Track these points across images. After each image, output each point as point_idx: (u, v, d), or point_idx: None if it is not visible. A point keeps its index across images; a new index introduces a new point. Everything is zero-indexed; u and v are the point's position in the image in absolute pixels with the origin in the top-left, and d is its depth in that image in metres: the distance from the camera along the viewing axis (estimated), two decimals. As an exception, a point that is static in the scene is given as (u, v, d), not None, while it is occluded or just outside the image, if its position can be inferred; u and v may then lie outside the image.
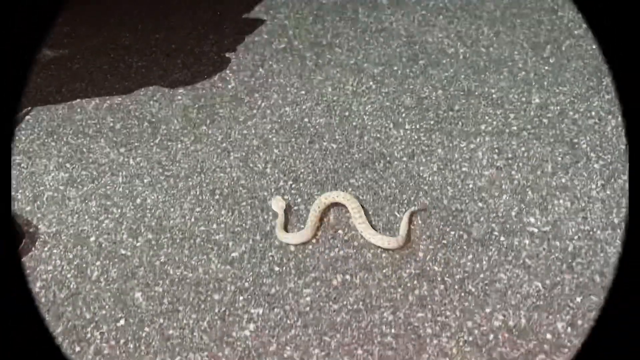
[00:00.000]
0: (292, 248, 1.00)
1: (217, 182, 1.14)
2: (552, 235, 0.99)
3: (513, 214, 1.03)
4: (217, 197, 1.11)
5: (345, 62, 1.47)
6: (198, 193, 1.12)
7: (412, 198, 1.09)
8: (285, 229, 1.03)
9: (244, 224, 1.05)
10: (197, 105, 1.35)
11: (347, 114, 1.31)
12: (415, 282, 0.93)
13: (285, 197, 1.10)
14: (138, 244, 1.04)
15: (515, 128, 1.22)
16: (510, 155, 1.16)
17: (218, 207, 1.09)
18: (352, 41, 1.54)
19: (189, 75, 1.46)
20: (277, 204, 1.07)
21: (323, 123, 1.28)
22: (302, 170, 1.16)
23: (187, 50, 1.53)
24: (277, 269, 0.97)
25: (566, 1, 1.59)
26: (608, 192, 1.06)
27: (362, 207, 1.03)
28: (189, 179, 1.14)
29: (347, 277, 0.95)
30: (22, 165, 1.22)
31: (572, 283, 0.92)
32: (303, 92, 1.38)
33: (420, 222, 1.03)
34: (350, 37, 1.55)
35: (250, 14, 1.69)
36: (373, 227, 1.00)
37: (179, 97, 1.38)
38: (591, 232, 0.99)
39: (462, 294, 0.91)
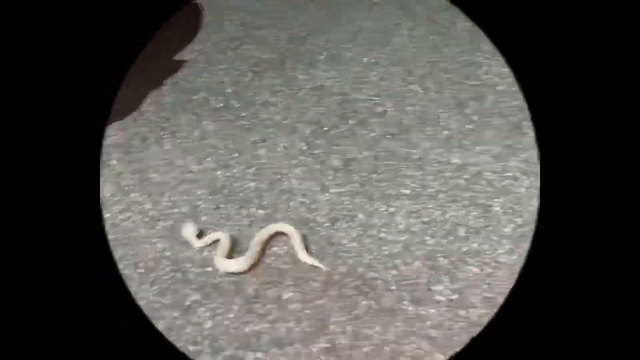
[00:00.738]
0: (209, 324, 1.03)
1: (142, 255, 1.17)
2: (458, 304, 1.04)
3: (423, 281, 1.08)
4: (140, 270, 1.14)
5: (279, 122, 1.52)
6: (122, 267, 1.14)
7: (331, 266, 1.13)
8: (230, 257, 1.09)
9: (162, 300, 1.08)
10: (129, 171, 1.38)
11: (277, 177, 1.35)
12: (322, 357, 0.96)
13: (208, 268, 1.14)
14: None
15: (433, 190, 1.28)
16: (426, 219, 1.21)
17: (140, 281, 1.11)
18: (288, 99, 1.59)
19: (125, 137, 1.49)
20: (188, 231, 1.14)
21: (253, 187, 1.32)
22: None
23: (124, 110, 1.56)
24: (191, 348, 0.99)
25: (495, 54, 1.68)
26: (515, 257, 1.12)
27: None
28: (115, 252, 1.16)
29: (259, 354, 0.97)
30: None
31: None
32: (236, 154, 1.42)
33: (335, 293, 1.08)
34: (286, 95, 1.61)
35: (191, 69, 1.73)
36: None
37: (114, 162, 1.41)
38: (493, 300, 1.04)
39: (368, 369, 0.95)
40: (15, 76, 0.87)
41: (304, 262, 1.10)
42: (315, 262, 1.10)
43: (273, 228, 1.17)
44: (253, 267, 1.10)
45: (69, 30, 0.93)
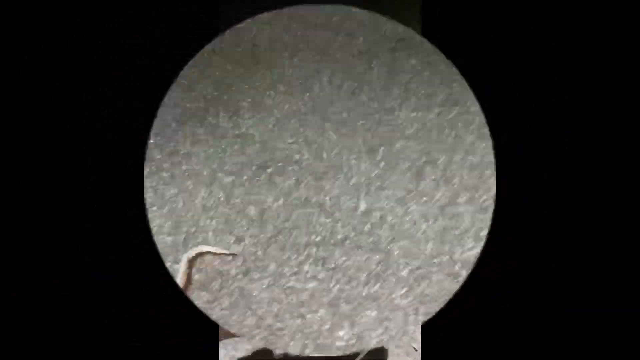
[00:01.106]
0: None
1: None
2: (356, 348, 1.12)
3: (326, 328, 1.17)
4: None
5: (199, 172, 1.58)
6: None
7: (241, 319, 1.19)
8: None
9: None
10: (46, 229, 1.39)
11: (193, 230, 1.40)
12: (227, 411, 1.02)
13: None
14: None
15: (340, 237, 1.37)
16: (332, 266, 1.30)
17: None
18: (209, 149, 1.65)
19: (44, 194, 1.50)
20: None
21: (169, 242, 1.37)
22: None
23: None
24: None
25: (406, 100, 1.83)
26: (409, 299, 1.22)
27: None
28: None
29: (166, 413, 1.02)
30: None
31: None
32: (155, 208, 1.46)
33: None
34: (208, 145, 1.67)
35: (115, 120, 1.76)
36: None
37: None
38: (389, 342, 1.14)
39: (269, 419, 1.01)
40: (15, 76, 0.88)
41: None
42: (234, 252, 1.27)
43: (199, 248, 1.30)
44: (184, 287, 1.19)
45: (69, 30, 0.94)
